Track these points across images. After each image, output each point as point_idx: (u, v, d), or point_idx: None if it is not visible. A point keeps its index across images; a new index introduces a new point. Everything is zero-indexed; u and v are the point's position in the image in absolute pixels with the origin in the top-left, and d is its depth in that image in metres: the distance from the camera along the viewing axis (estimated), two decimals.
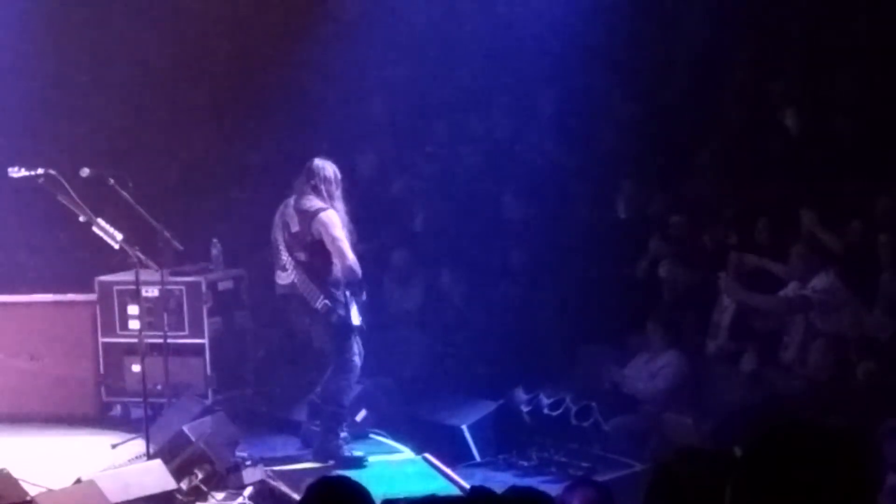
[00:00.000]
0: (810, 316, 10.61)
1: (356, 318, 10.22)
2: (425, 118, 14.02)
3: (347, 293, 10.18)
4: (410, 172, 13.76)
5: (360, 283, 10.23)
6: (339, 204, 10.21)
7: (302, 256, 10.19)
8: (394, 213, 13.35)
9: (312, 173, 10.22)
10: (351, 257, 10.08)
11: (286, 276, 10.26)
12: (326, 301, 10.12)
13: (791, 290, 10.83)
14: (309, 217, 10.13)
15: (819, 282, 10.62)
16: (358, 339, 10.28)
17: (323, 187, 10.19)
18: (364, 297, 10.32)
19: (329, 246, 10.09)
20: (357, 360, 10.32)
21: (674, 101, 13.00)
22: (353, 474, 5.32)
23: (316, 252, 10.14)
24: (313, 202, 10.15)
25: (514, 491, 4.69)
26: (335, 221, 10.11)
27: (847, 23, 12.43)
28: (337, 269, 10.15)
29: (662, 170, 12.73)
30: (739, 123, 12.71)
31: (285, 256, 10.23)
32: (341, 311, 10.17)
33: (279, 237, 10.27)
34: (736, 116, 12.80)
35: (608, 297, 11.81)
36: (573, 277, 12.17)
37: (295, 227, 10.19)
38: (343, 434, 10.43)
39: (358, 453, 10.39)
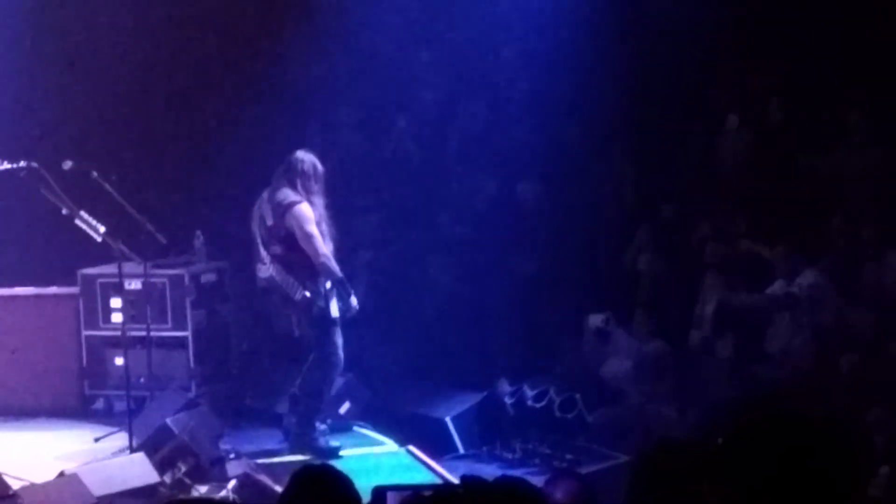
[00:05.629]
0: (796, 312, 10.62)
1: (334, 310, 10.17)
2: (407, 104, 13.94)
3: (328, 285, 10.13)
4: (395, 160, 13.71)
5: (340, 280, 10.18)
6: (318, 199, 10.13)
7: (278, 250, 10.13)
8: (379, 200, 13.32)
9: (290, 166, 10.16)
10: (323, 252, 10.00)
11: (265, 270, 10.22)
12: (306, 293, 10.07)
13: (778, 287, 10.83)
14: (282, 210, 10.07)
15: (805, 279, 10.62)
16: (339, 332, 10.24)
17: (299, 181, 10.10)
18: (355, 304, 10.25)
19: (301, 241, 10.03)
20: (340, 353, 10.28)
21: (659, 90, 12.96)
22: (336, 466, 5.30)
23: (291, 246, 10.08)
24: (287, 195, 10.08)
25: (502, 480, 4.68)
26: (308, 216, 10.02)
27: (829, 12, 12.41)
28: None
29: (646, 161, 12.70)
30: (723, 115, 12.69)
31: (262, 250, 10.21)
32: (321, 303, 10.12)
33: (256, 231, 10.25)
34: (719, 108, 12.78)
35: (593, 288, 11.80)
36: (557, 268, 12.15)
37: (269, 221, 10.14)
38: (322, 426, 10.41)
39: (334, 444, 10.35)
